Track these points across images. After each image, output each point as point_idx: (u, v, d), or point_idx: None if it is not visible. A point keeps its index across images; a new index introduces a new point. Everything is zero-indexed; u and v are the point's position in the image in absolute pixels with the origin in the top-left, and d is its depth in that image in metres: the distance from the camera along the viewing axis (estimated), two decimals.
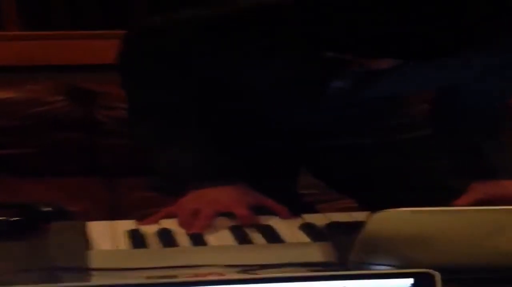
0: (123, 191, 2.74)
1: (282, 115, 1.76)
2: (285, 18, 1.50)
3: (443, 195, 1.82)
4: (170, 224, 1.50)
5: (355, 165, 1.91)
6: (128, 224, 1.49)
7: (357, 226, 1.49)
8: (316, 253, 1.30)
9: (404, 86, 1.72)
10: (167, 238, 1.41)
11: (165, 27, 1.63)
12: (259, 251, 1.35)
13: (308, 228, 1.50)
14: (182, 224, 1.49)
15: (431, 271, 0.99)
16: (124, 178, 2.81)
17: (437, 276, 0.99)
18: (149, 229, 1.47)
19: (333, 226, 1.48)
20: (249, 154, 1.80)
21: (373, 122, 1.88)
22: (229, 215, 1.53)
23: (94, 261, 1.24)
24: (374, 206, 1.79)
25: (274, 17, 1.53)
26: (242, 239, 1.42)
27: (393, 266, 1.12)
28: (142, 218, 1.56)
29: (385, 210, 1.13)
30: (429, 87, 1.80)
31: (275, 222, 1.54)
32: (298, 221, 1.55)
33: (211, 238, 1.43)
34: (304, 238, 1.45)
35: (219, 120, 1.76)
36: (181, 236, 1.43)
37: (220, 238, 1.43)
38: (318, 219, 1.56)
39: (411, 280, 0.99)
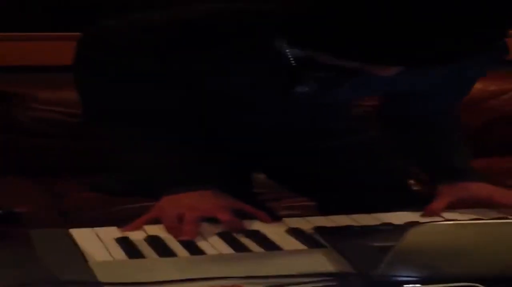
0: (57, 192, 2.64)
1: (246, 117, 1.72)
2: (264, 24, 1.46)
3: (399, 196, 1.84)
4: (155, 230, 1.43)
5: (312, 166, 1.89)
6: (112, 231, 1.42)
7: (348, 231, 1.48)
8: (325, 261, 1.27)
9: (361, 93, 1.72)
10: (161, 247, 1.35)
11: (125, 30, 1.56)
12: (269, 260, 1.30)
13: (297, 234, 1.46)
14: (169, 230, 1.43)
15: (475, 284, 0.97)
16: (55, 178, 2.71)
17: None
18: (136, 236, 1.40)
19: (323, 232, 1.45)
20: (209, 156, 1.75)
21: (328, 125, 1.87)
22: (211, 220, 1.48)
23: (102, 274, 1.17)
24: (332, 206, 1.80)
25: (249, 22, 1.49)
26: (238, 246, 1.37)
27: (422, 278, 1.10)
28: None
29: (423, 223, 1.10)
30: (383, 93, 1.81)
31: (258, 227, 1.50)
32: (281, 226, 1.51)
33: (206, 246, 1.37)
34: (298, 244, 1.41)
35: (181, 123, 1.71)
36: (174, 244, 1.37)
37: (215, 246, 1.37)
38: (299, 224, 1.52)
39: None
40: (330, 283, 1.15)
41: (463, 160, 1.78)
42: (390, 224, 1.55)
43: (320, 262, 1.27)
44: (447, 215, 1.61)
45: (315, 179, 1.90)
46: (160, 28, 1.53)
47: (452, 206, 1.66)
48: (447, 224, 1.10)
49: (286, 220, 1.55)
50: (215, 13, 1.51)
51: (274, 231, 1.47)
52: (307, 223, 1.52)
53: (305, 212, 1.94)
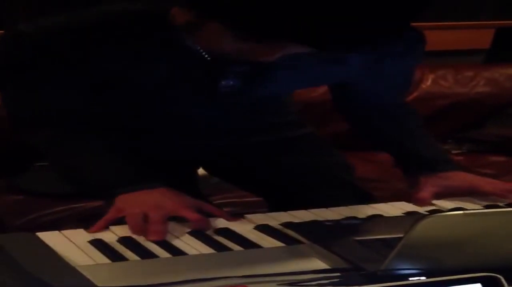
0: None
1: (179, 114, 1.68)
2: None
3: (344, 191, 1.84)
4: (125, 231, 1.37)
5: (253, 161, 1.87)
6: (81, 234, 1.35)
7: (322, 227, 1.46)
8: (314, 258, 1.24)
9: (290, 86, 1.70)
10: (139, 249, 1.29)
11: (54, 30, 1.49)
12: (258, 259, 1.25)
13: (268, 231, 1.42)
14: (135, 230, 1.36)
15: (496, 275, 0.97)
16: None
17: (502, 279, 0.97)
18: (108, 238, 1.33)
19: (297, 228, 1.42)
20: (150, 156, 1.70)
21: (266, 120, 1.84)
22: (175, 219, 1.43)
23: (97, 279, 1.10)
24: (278, 201, 1.79)
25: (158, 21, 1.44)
26: (217, 246, 1.32)
27: (429, 271, 1.08)
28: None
29: (430, 215, 1.08)
30: (311, 85, 1.80)
31: (225, 225, 1.44)
32: (246, 223, 1.47)
33: (184, 247, 1.31)
34: (274, 241, 1.37)
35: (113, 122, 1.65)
36: (150, 245, 1.31)
37: (192, 246, 1.32)
38: (262, 220, 1.49)
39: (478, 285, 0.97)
40: (334, 280, 1.12)
41: (439, 150, 1.79)
42: (354, 217, 1.53)
43: (309, 258, 1.24)
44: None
45: (258, 174, 1.87)
46: (69, 31, 1.47)
47: (438, 196, 1.66)
48: (456, 214, 1.08)
49: (248, 216, 1.51)
50: (127, 12, 1.47)
51: (243, 229, 1.43)
52: (271, 220, 1.49)
53: (247, 209, 1.93)
